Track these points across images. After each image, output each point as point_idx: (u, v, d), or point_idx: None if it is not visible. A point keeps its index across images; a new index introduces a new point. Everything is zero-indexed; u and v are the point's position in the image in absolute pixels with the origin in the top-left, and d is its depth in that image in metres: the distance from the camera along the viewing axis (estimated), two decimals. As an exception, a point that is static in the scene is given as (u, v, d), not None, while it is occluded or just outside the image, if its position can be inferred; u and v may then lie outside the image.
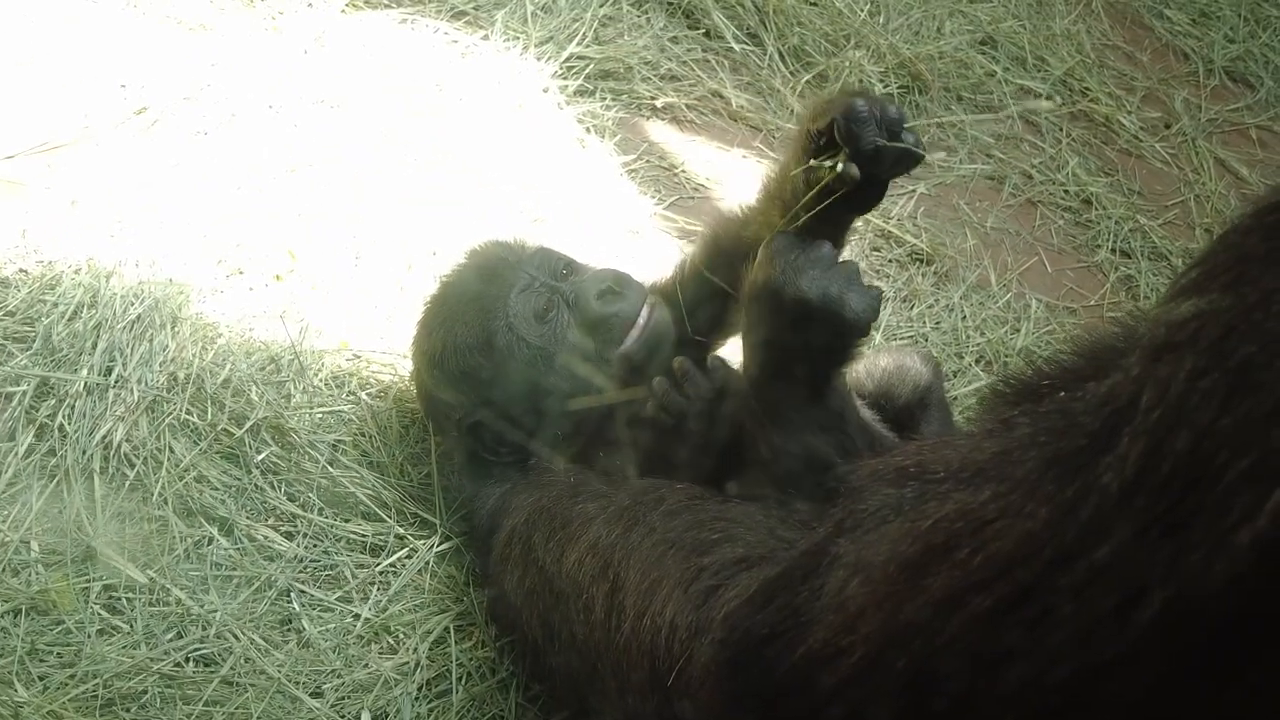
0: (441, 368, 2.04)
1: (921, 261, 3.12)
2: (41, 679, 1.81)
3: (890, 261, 3.10)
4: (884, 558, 1.10)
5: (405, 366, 2.34)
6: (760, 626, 1.23)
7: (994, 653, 0.99)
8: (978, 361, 2.90)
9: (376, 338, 2.45)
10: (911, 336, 2.91)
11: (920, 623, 1.05)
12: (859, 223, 3.14)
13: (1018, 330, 2.99)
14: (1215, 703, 0.89)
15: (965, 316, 2.99)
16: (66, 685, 1.80)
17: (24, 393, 2.13)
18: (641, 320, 1.98)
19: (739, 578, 1.34)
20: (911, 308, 3.00)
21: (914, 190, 3.31)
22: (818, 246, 1.69)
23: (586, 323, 1.99)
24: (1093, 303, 3.16)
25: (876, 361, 2.38)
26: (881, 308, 1.71)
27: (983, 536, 1.03)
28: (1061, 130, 3.66)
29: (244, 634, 1.91)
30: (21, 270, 2.41)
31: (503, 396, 1.98)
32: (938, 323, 2.97)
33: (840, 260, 1.72)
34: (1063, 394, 1.10)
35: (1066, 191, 3.47)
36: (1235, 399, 0.86)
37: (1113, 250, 3.32)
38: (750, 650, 1.24)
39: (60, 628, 1.89)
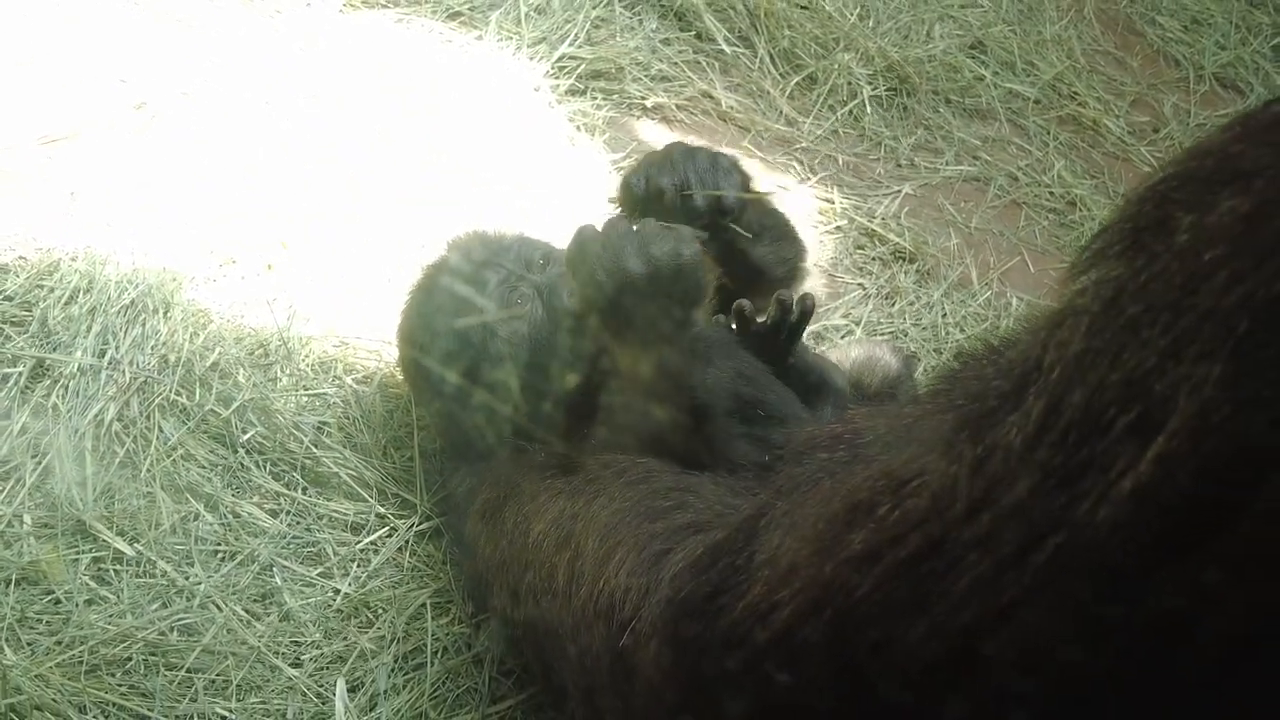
0: (420, 355, 2.11)
1: (904, 260, 3.18)
2: (30, 644, 1.88)
3: (873, 259, 3.16)
4: (813, 517, 1.16)
5: (390, 353, 2.41)
6: (704, 585, 1.28)
7: (908, 601, 1.05)
8: (956, 358, 2.94)
9: (364, 325, 2.51)
10: (892, 332, 2.96)
11: (843, 577, 1.10)
12: (844, 221, 3.22)
13: (997, 328, 3.04)
14: (1103, 640, 0.95)
15: (945, 314, 3.04)
16: (54, 651, 1.87)
17: (20, 374, 2.20)
18: None
19: (688, 541, 1.39)
20: (893, 304, 3.05)
21: (899, 190, 3.36)
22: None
23: (558, 318, 2.03)
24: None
25: (848, 352, 2.44)
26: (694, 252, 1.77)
27: (901, 494, 1.08)
28: (1049, 133, 3.71)
29: (226, 605, 1.97)
30: (20, 257, 2.48)
31: (478, 384, 2.03)
32: (918, 319, 3.02)
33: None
34: (984, 362, 1.16)
35: (1052, 193, 3.52)
36: (1123, 356, 0.92)
37: (1095, 251, 3.37)
38: (694, 607, 1.29)
39: (50, 597, 1.96)
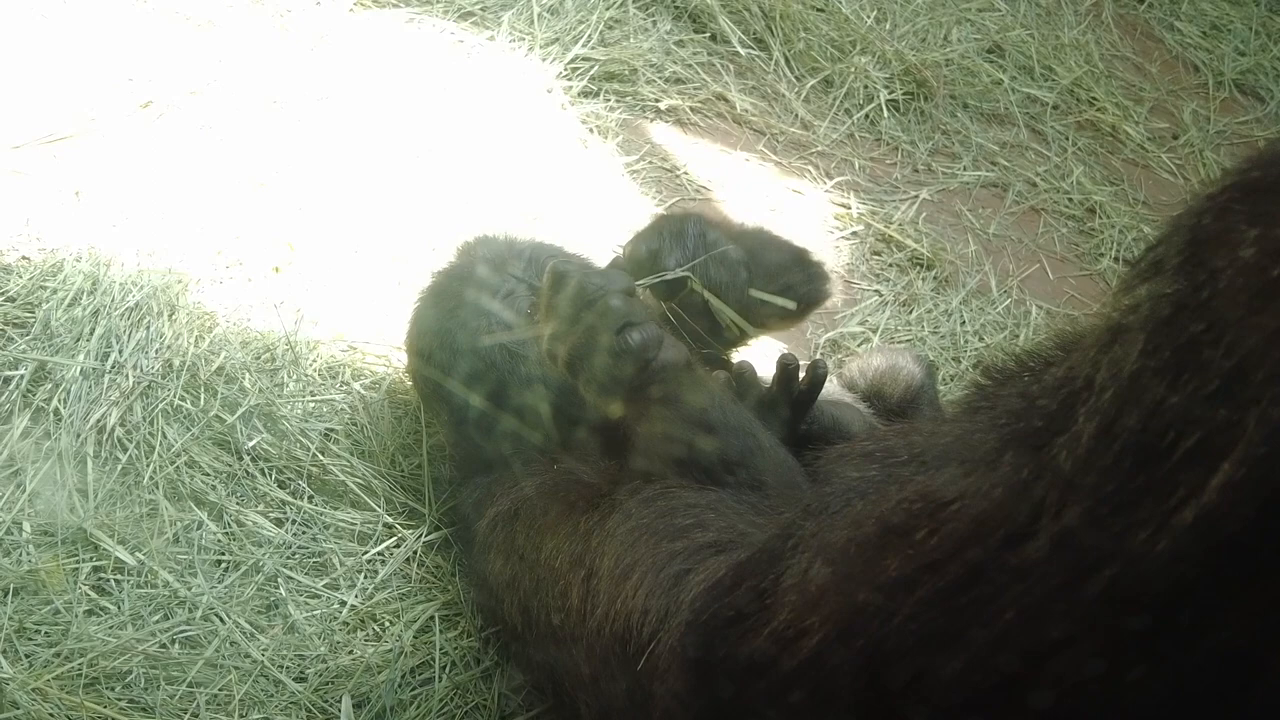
0: (429, 365, 2.05)
1: (921, 266, 3.13)
2: (28, 656, 1.82)
3: (890, 265, 3.11)
4: (844, 539, 1.11)
5: (399, 358, 2.36)
6: (727, 609, 1.23)
7: (946, 632, 0.99)
8: (975, 366, 2.90)
9: (372, 330, 2.46)
10: (909, 340, 2.91)
11: (877, 603, 1.05)
12: (860, 227, 3.17)
13: (1016, 336, 2.99)
14: (1159, 680, 0.89)
15: (964, 322, 2.99)
16: (52, 663, 1.82)
17: (21, 376, 2.15)
18: None
19: (709, 562, 1.34)
20: (910, 312, 3.00)
21: (916, 196, 3.31)
22: None
23: None
24: (1094, 310, 3.15)
25: (870, 361, 2.39)
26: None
27: (939, 517, 1.03)
28: (1067, 139, 3.66)
29: (229, 617, 1.92)
30: (24, 257, 2.43)
31: (487, 394, 1.97)
32: (936, 327, 2.97)
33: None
34: (1026, 378, 1.11)
35: (1071, 200, 3.47)
36: (1183, 377, 0.86)
37: (1116, 259, 3.32)
38: (717, 632, 1.24)
39: (49, 607, 1.91)
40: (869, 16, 3.68)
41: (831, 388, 2.33)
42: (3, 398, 2.13)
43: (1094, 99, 3.81)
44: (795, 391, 1.95)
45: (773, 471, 1.59)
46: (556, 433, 1.92)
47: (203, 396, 2.16)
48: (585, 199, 2.97)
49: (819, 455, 1.27)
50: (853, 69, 3.55)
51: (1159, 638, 0.89)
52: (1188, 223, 0.95)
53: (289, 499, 2.10)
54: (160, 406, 2.13)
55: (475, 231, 2.65)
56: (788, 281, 2.04)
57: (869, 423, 2.14)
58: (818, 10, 3.66)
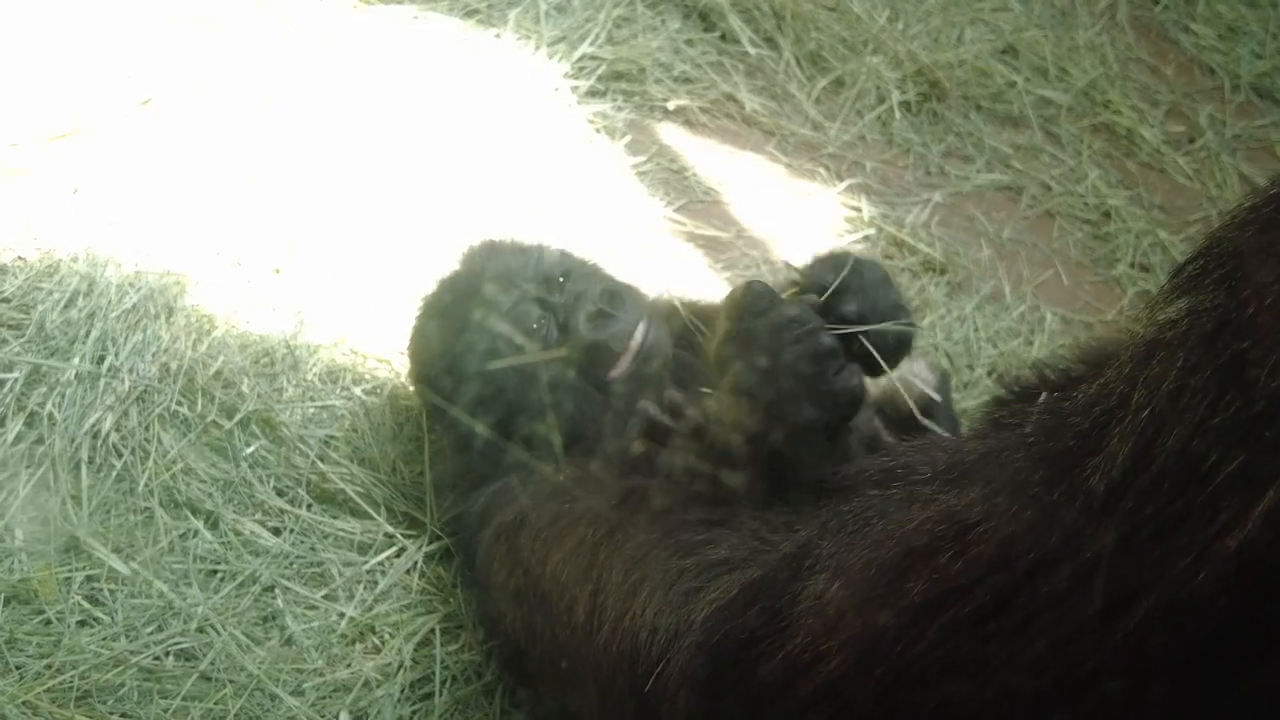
0: (431, 375, 2.00)
1: (935, 271, 3.07)
2: (18, 668, 1.78)
3: (903, 270, 3.05)
4: (865, 561, 1.06)
5: (402, 362, 2.31)
6: (740, 630, 1.18)
7: (972, 662, 0.94)
8: (989, 374, 2.84)
9: (374, 333, 2.42)
10: (922, 347, 2.85)
11: (899, 629, 1.00)
12: (871, 230, 3.12)
13: (1031, 343, 2.93)
14: (1201, 712, 0.84)
15: (978, 328, 2.94)
16: (43, 676, 1.77)
17: (15, 379, 2.11)
18: (635, 344, 1.91)
19: (721, 580, 1.29)
20: (923, 318, 2.94)
21: (929, 199, 3.26)
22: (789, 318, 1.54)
23: (576, 346, 1.91)
24: (1109, 317, 3.10)
25: (882, 368, 2.33)
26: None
27: (965, 540, 0.98)
28: (1082, 142, 3.60)
29: (225, 629, 1.87)
30: (20, 257, 2.39)
31: (491, 407, 1.92)
32: (949, 333, 2.91)
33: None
34: (1055, 394, 1.05)
35: (1086, 204, 3.41)
36: (1226, 398, 0.81)
37: (1131, 264, 3.26)
38: (729, 654, 1.19)
39: (40, 617, 1.86)
40: (881, 16, 3.62)
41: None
42: (-4, 401, 2.09)
43: (1109, 101, 3.75)
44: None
45: None
46: (562, 443, 1.86)
47: (200, 401, 2.11)
48: (592, 201, 2.92)
49: (835, 470, 1.22)
50: (864, 69, 3.49)
51: (1198, 674, 0.84)
52: (1229, 235, 0.89)
53: (287, 507, 2.05)
54: (156, 412, 2.08)
55: (480, 236, 2.62)
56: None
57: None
58: (829, 9, 3.60)
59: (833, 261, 1.86)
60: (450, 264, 2.20)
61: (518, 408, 1.90)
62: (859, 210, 3.16)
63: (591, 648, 1.43)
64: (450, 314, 1.98)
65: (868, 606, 1.03)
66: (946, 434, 2.32)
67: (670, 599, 1.32)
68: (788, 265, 1.93)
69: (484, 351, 1.90)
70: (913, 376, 2.32)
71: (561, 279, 2.00)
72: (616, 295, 1.94)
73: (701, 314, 2.03)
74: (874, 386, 2.34)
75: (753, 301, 1.52)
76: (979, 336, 2.92)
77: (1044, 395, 1.43)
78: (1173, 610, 0.83)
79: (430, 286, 2.13)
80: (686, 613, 1.28)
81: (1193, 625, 0.83)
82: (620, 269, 2.73)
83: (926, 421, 1.95)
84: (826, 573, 1.11)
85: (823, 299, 1.76)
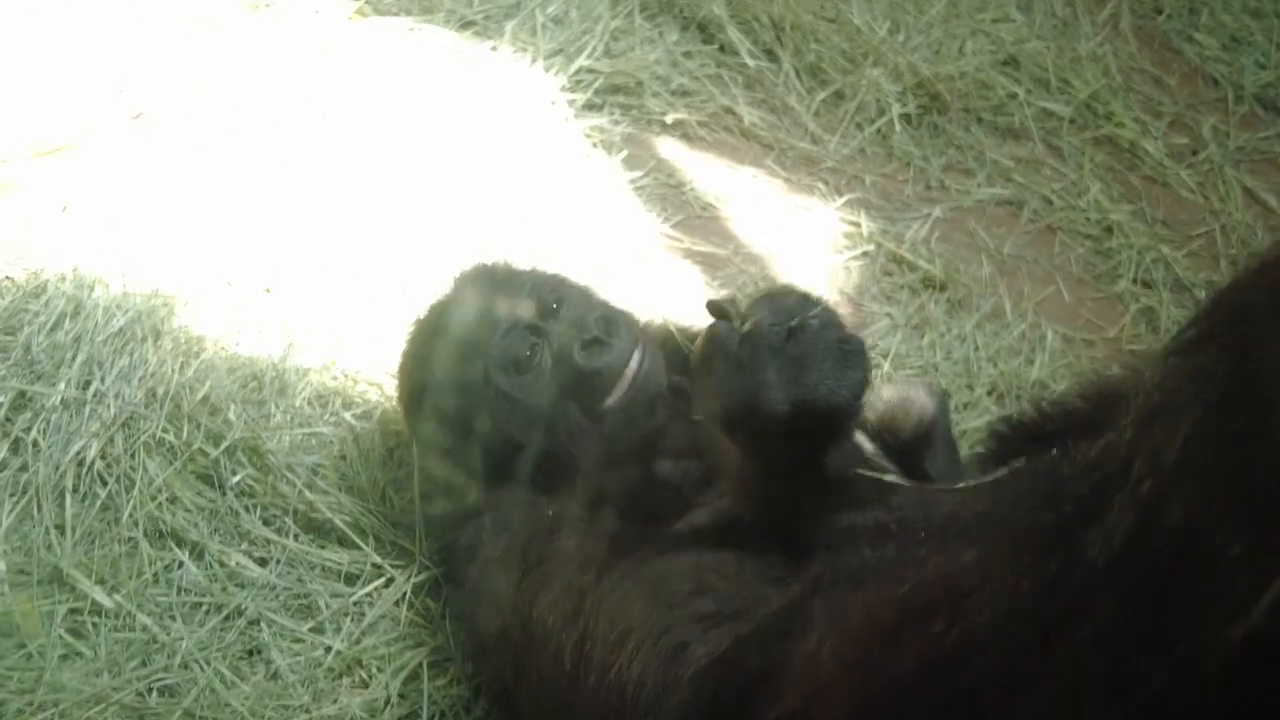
0: (419, 405, 1.97)
1: (934, 288, 3.03)
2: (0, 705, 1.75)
3: (901, 287, 3.02)
4: (858, 623, 1.03)
5: (393, 386, 2.28)
6: (728, 689, 1.15)
7: (968, 738, 0.91)
8: (989, 393, 2.81)
9: (365, 355, 2.39)
10: (921, 366, 2.82)
11: (891, 698, 0.97)
12: (870, 246, 3.08)
13: (1032, 362, 2.89)
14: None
15: (978, 347, 2.90)
16: (24, 712, 1.74)
17: (0, 404, 2.08)
18: (629, 372, 1.86)
19: (710, 634, 1.26)
20: (922, 336, 2.90)
21: (929, 214, 3.22)
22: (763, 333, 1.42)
23: (569, 375, 1.87)
24: (1111, 335, 3.06)
25: (880, 393, 2.29)
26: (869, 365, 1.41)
27: (961, 607, 0.95)
28: (1084, 154, 3.55)
29: (210, 664, 1.84)
30: (7, 277, 2.36)
31: (480, 439, 1.88)
32: (949, 352, 2.87)
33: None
34: (1054, 451, 1.02)
35: (1087, 218, 3.37)
36: (1232, 474, 0.78)
37: (1134, 280, 3.21)
38: (716, 715, 1.16)
39: (22, 651, 1.84)
40: (882, 28, 3.58)
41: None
42: (-20, 427, 2.06)
43: (1111, 113, 3.71)
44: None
45: None
46: (554, 474, 1.83)
47: (186, 428, 2.08)
48: (589, 217, 2.88)
49: (833, 523, 1.18)
50: (864, 81, 3.45)
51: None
52: (1236, 296, 0.86)
53: (274, 537, 2.02)
54: (142, 439, 2.05)
55: (474, 254, 2.58)
56: None
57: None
58: (829, 21, 3.57)
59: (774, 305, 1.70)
60: (442, 285, 2.16)
61: (508, 438, 1.87)
62: (858, 225, 3.13)
63: (578, 697, 1.40)
64: (440, 342, 1.94)
65: (860, 672, 1.00)
66: (943, 458, 2.29)
67: (658, 652, 1.29)
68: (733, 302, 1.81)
69: (475, 381, 1.87)
70: (911, 401, 2.29)
71: (555, 304, 1.96)
72: (611, 323, 1.90)
73: (696, 338, 2.00)
74: (872, 411, 2.30)
75: (714, 350, 1.46)
76: (979, 356, 2.88)
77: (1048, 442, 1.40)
78: (1175, 697, 0.79)
79: (420, 311, 2.08)
80: (674, 669, 1.24)
81: (1195, 712, 0.79)
82: (616, 288, 2.71)
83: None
84: (818, 631, 1.08)
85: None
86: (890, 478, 1.61)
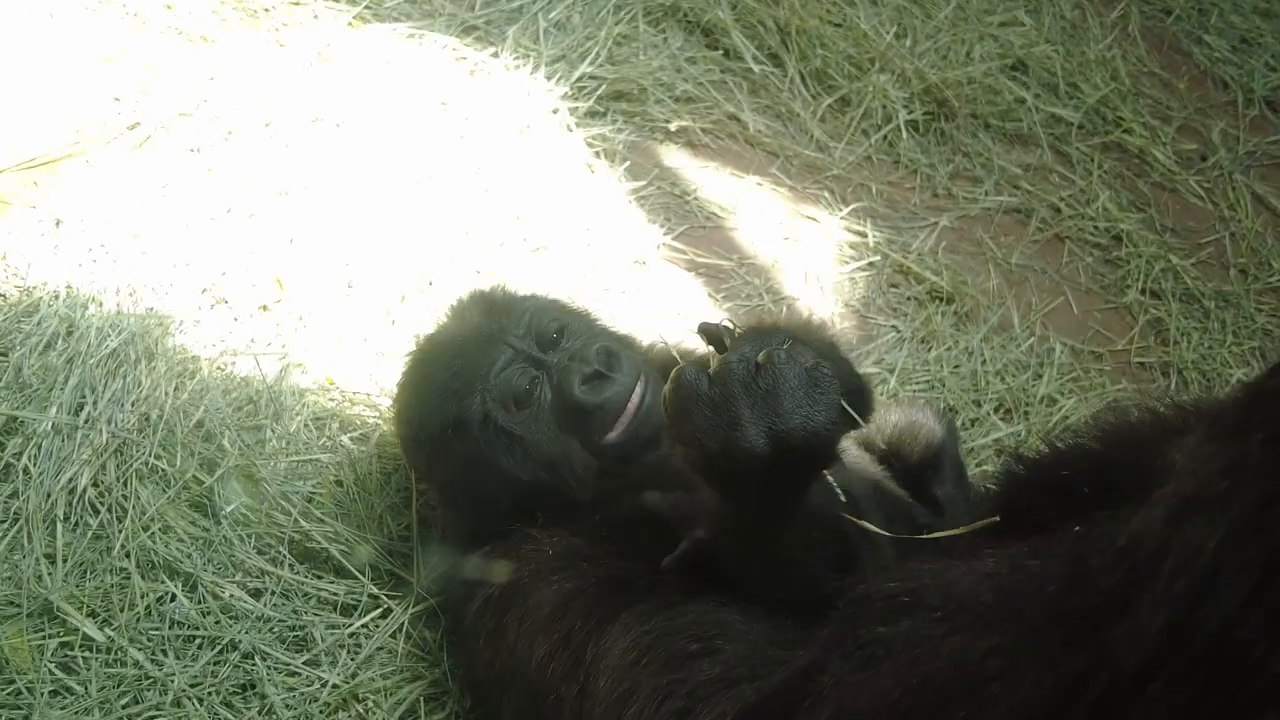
0: (417, 441, 1.92)
1: (941, 300, 2.99)
2: (-12, 745, 1.72)
3: (908, 299, 2.97)
4: (871, 707, 0.99)
5: (390, 406, 2.23)
6: (733, 763, 1.11)
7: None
8: (997, 409, 2.77)
9: (364, 374, 2.35)
10: (928, 381, 2.78)
11: (906, 789, 0.93)
12: (876, 257, 3.03)
13: (1040, 377, 2.85)
14: None
15: (985, 361, 2.85)
16: (13, 753, 1.71)
17: (-9, 429, 2.04)
18: (632, 406, 1.81)
19: (715, 700, 1.22)
20: (929, 350, 2.86)
21: (936, 223, 3.17)
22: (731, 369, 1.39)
23: (570, 410, 1.82)
24: (1120, 347, 3.02)
25: (887, 417, 2.26)
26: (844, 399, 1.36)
27: (979, 698, 0.91)
28: (1093, 161, 3.51)
29: (203, 701, 1.80)
30: (0, 295, 2.32)
31: (479, 475, 1.84)
32: (956, 366, 2.83)
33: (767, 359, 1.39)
34: (1076, 529, 0.97)
35: (1096, 227, 3.32)
36: (1274, 585, 0.73)
37: (1143, 291, 3.17)
38: (721, 790, 1.12)
39: (11, 687, 1.80)
40: (888, 33, 3.53)
41: (846, 445, 2.20)
42: (-31, 452, 2.02)
43: (1120, 118, 3.66)
44: None
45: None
46: (556, 508, 1.78)
47: (180, 456, 2.04)
48: (591, 228, 2.84)
49: (843, 592, 1.14)
50: (871, 88, 3.40)
51: None
52: (1276, 389, 0.82)
53: (268, 568, 1.98)
54: (135, 466, 2.01)
55: (472, 274, 2.54)
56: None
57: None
58: (835, 25, 3.51)
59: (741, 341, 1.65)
60: (439, 312, 2.11)
61: (509, 473, 1.82)
62: (864, 235, 3.08)
63: (578, 757, 1.36)
64: (438, 376, 1.88)
65: (873, 760, 0.96)
66: (951, 482, 2.26)
67: (659, 718, 1.25)
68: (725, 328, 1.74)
69: (473, 418, 1.81)
70: (919, 425, 2.25)
71: (555, 334, 1.90)
72: (613, 355, 1.85)
73: (700, 363, 1.95)
74: (879, 435, 2.27)
75: (683, 393, 1.41)
76: (986, 370, 2.83)
77: (1065, 489, 1.36)
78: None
79: (416, 343, 2.03)
80: (677, 738, 1.21)
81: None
82: (618, 302, 2.67)
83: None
84: (827, 708, 1.04)
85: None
86: (872, 528, 1.58)
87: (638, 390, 1.80)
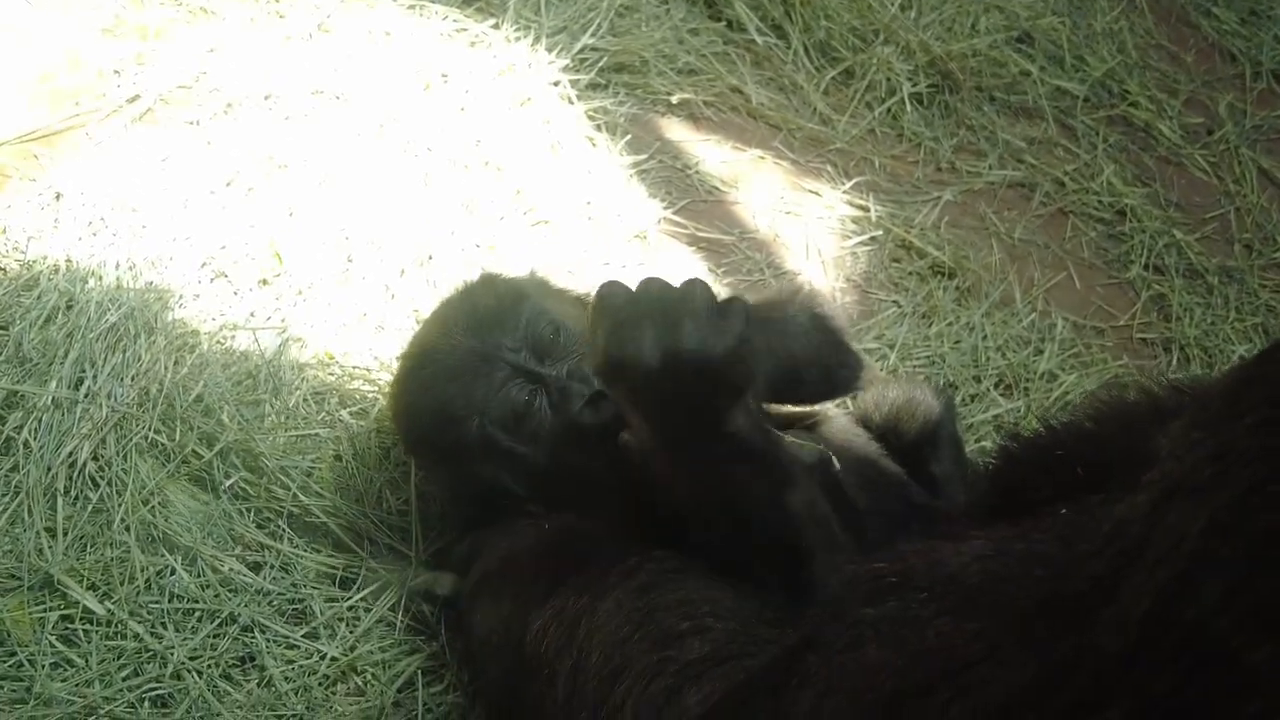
0: (413, 448, 1.91)
1: (943, 275, 2.98)
2: (-11, 716, 1.73)
3: (910, 274, 2.96)
4: (857, 688, 0.99)
5: (389, 381, 2.23)
6: (722, 744, 1.12)
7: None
8: (997, 385, 2.76)
9: (363, 349, 2.35)
10: (928, 357, 2.77)
11: (891, 770, 0.93)
12: (879, 232, 3.02)
13: (1041, 352, 2.84)
14: None
15: (986, 336, 2.85)
16: (15, 725, 1.72)
17: (-10, 403, 2.05)
18: None
19: (704, 680, 1.23)
20: (929, 325, 2.85)
21: (939, 197, 3.16)
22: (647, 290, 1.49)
23: (573, 431, 1.77)
24: (1122, 322, 3.01)
25: (885, 393, 2.26)
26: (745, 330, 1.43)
27: (964, 681, 0.91)
28: (1098, 134, 3.48)
29: (203, 673, 1.82)
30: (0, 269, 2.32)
31: (475, 483, 1.83)
32: (957, 342, 2.83)
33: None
34: (1064, 513, 0.98)
35: (1100, 201, 3.30)
36: (1255, 575, 0.74)
37: (1146, 266, 3.16)
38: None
39: (13, 659, 1.81)
40: (893, 4, 3.50)
41: (844, 422, 2.20)
42: (-29, 426, 2.03)
43: (1126, 91, 3.64)
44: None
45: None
46: (551, 499, 1.78)
47: (179, 430, 2.04)
48: (592, 202, 2.83)
49: (831, 573, 1.15)
50: (875, 60, 3.38)
51: None
52: (1271, 370, 0.81)
53: (268, 541, 1.99)
54: (134, 440, 2.02)
55: (469, 252, 2.54)
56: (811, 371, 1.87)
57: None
58: (840, -4, 3.49)
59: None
60: (439, 290, 2.11)
61: (510, 486, 1.81)
62: (866, 210, 3.07)
63: (571, 732, 1.37)
64: (431, 402, 1.84)
65: (859, 741, 0.97)
66: (948, 460, 2.26)
67: (650, 696, 1.26)
68: None
69: (474, 441, 1.78)
70: (916, 402, 2.25)
71: (552, 336, 1.84)
72: None
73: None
74: (876, 411, 2.27)
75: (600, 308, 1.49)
76: (987, 345, 2.83)
77: (1059, 467, 1.36)
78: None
79: (409, 347, 1.98)
80: (665, 717, 1.21)
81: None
82: (618, 279, 2.66)
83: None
84: (813, 690, 1.04)
85: None
86: (815, 448, 1.62)
87: None
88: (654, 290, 1.48)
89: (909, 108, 3.35)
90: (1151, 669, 0.78)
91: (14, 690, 1.77)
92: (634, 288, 1.50)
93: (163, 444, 2.03)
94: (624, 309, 1.45)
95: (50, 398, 2.03)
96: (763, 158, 3.15)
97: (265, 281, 2.40)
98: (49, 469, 1.98)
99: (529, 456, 1.79)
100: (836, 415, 2.17)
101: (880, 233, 3.04)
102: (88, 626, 1.85)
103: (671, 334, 1.39)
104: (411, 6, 3.13)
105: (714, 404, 1.42)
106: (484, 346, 1.82)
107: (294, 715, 1.82)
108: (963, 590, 0.99)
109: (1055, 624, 0.87)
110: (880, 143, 3.30)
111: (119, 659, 1.82)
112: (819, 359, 1.86)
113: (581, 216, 2.80)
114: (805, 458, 1.70)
